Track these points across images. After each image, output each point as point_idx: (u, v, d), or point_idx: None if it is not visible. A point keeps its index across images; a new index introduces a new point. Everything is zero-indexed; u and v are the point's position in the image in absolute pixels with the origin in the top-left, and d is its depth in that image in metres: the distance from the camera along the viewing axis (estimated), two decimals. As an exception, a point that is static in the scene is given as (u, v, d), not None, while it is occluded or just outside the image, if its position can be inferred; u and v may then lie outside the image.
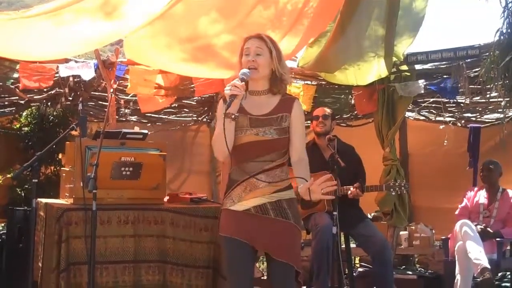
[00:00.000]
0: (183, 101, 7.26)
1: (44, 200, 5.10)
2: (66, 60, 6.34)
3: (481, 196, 6.48)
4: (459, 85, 6.74)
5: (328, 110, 6.01)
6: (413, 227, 7.76)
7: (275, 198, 3.73)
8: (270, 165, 3.71)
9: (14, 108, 7.16)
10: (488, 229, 6.10)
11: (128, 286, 4.80)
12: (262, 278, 6.86)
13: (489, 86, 6.14)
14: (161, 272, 4.91)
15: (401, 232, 7.41)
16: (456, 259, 5.89)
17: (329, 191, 3.59)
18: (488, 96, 7.08)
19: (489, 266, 5.56)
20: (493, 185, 6.47)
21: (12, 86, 6.42)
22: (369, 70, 6.35)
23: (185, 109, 7.61)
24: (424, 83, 6.74)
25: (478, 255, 5.64)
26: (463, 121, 8.19)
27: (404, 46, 6.14)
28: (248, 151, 3.72)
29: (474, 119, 8.17)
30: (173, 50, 5.75)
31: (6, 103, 7.09)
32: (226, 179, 3.95)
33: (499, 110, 7.37)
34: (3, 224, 7.18)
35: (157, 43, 5.65)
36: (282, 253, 3.72)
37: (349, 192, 5.60)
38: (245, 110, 3.75)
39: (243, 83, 3.63)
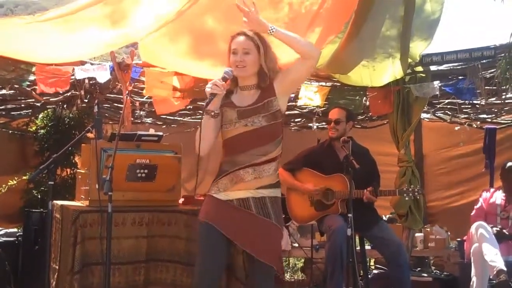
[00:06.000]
0: (198, 102, 7.27)
1: (60, 202, 5.13)
2: (82, 63, 6.36)
3: (498, 197, 6.43)
4: (475, 86, 6.70)
5: (341, 113, 5.96)
6: (429, 229, 7.73)
7: (259, 194, 3.80)
8: (259, 160, 3.78)
9: (30, 110, 7.20)
10: (504, 231, 6.06)
11: (139, 285, 4.82)
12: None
13: (504, 87, 6.11)
14: (171, 271, 4.94)
15: (417, 234, 7.38)
16: (472, 261, 5.86)
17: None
18: (503, 97, 7.05)
19: (505, 268, 5.52)
20: None
21: (28, 89, 6.44)
22: (384, 71, 6.32)
23: (199, 111, 7.61)
24: (439, 84, 6.71)
25: (494, 257, 5.61)
26: (478, 122, 8.16)
27: (420, 48, 6.11)
28: (239, 143, 3.81)
29: (489, 120, 8.13)
30: (181, 48, 5.72)
31: (23, 105, 7.13)
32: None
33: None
34: (18, 228, 7.20)
35: (168, 42, 5.65)
36: (262, 253, 3.76)
37: (363, 197, 5.59)
38: (234, 104, 3.87)
39: (224, 82, 3.75)
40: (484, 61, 6.47)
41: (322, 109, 7.22)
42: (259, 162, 3.78)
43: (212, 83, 3.74)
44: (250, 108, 3.84)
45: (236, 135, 3.83)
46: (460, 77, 6.78)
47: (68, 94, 6.76)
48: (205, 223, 3.82)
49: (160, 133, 5.27)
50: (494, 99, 7.17)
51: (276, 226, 3.81)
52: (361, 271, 6.09)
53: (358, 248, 5.86)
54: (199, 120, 3.90)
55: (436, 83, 6.68)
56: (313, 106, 7.23)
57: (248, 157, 3.78)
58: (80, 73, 6.28)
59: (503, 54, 5.88)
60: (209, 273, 3.80)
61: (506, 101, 7.21)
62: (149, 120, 7.82)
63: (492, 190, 6.61)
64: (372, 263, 7.96)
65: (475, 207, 6.53)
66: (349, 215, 5.12)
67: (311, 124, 7.65)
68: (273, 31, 3.77)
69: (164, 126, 8.01)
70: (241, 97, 3.91)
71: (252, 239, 3.77)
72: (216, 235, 3.78)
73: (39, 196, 6.91)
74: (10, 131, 7.38)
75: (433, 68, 6.82)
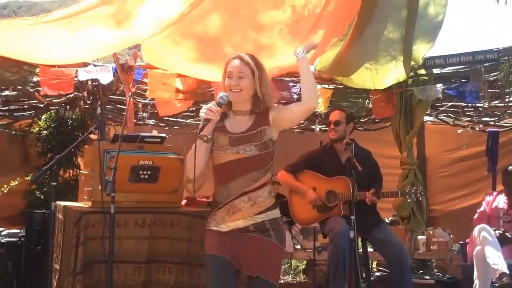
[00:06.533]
0: (201, 104, 7.26)
1: (62, 203, 5.12)
2: (85, 64, 6.36)
3: (501, 201, 6.43)
4: (478, 89, 6.70)
5: (341, 115, 5.98)
6: (431, 232, 7.72)
7: (259, 219, 3.77)
8: (252, 187, 3.75)
9: (33, 111, 7.22)
10: (507, 234, 6.06)
11: (138, 284, 4.81)
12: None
13: (507, 90, 6.12)
14: (173, 273, 4.92)
15: (419, 237, 7.38)
16: (474, 264, 5.86)
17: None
18: (506, 100, 7.05)
19: (507, 271, 5.53)
20: None
21: (32, 90, 6.45)
22: (387, 74, 6.32)
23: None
24: (442, 87, 6.71)
25: (497, 260, 5.61)
26: (481, 125, 8.16)
27: (423, 50, 6.11)
28: (230, 170, 3.77)
29: (492, 123, 8.13)
30: (185, 50, 5.73)
31: (26, 106, 7.14)
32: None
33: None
34: (21, 229, 7.20)
35: (171, 44, 5.65)
36: (265, 271, 3.75)
37: (365, 199, 5.60)
38: (227, 129, 3.83)
39: (219, 108, 3.70)
40: (487, 64, 6.47)
41: (325, 111, 7.22)
42: (252, 189, 3.74)
43: (206, 108, 3.69)
44: (243, 135, 3.79)
45: (226, 162, 3.78)
46: (463, 80, 6.78)
47: (71, 95, 6.76)
48: (212, 256, 3.78)
49: (163, 135, 5.26)
50: (497, 102, 7.18)
51: (277, 245, 3.79)
52: (364, 274, 6.09)
53: (360, 250, 5.85)
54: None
55: (439, 86, 6.69)
56: (316, 110, 7.22)
57: (240, 183, 3.74)
58: (83, 75, 6.28)
59: (506, 57, 5.89)
60: None
61: (509, 104, 7.21)
62: (151, 121, 7.82)
63: (495, 193, 6.63)
64: (374, 266, 7.96)
65: (478, 210, 6.54)
66: (352, 217, 5.12)
67: (313, 127, 7.65)
68: (299, 56, 3.84)
69: (167, 128, 8.02)
70: (234, 122, 3.86)
71: (255, 259, 3.75)
72: (225, 264, 3.75)
73: (42, 197, 6.92)
74: (13, 132, 7.39)
75: (436, 71, 6.82)
